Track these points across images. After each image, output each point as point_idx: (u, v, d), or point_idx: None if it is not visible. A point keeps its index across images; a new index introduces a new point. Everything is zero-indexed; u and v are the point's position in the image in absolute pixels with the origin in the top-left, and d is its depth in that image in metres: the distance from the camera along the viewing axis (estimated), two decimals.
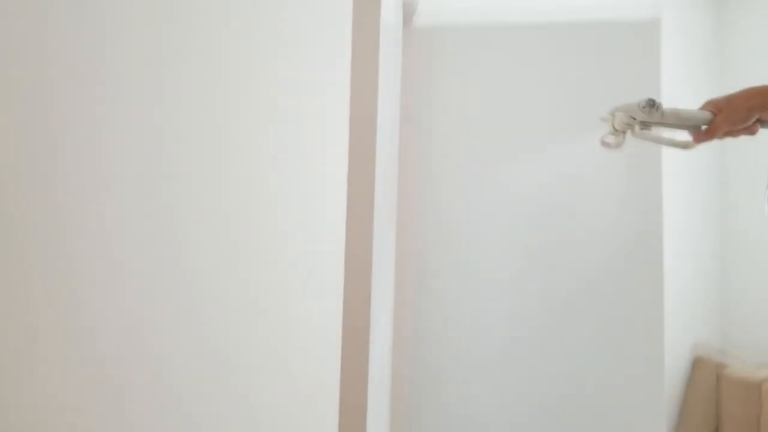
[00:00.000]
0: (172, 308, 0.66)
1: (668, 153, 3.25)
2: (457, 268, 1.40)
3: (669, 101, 3.25)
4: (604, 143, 1.19)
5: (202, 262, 0.72)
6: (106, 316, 0.58)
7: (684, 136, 1.32)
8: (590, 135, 1.41)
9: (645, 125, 1.21)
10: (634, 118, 1.19)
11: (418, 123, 1.42)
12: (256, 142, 0.86)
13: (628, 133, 1.19)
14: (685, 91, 3.41)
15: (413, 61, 1.46)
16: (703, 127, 1.31)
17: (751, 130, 1.33)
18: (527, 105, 1.39)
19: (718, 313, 3.44)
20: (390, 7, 1.10)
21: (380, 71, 0.94)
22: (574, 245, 1.41)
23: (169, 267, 0.66)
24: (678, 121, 1.28)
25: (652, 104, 1.23)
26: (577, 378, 1.43)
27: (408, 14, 1.46)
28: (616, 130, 1.18)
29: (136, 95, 0.60)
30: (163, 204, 0.64)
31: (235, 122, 0.79)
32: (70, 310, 0.55)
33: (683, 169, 3.40)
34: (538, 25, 1.41)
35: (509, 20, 1.38)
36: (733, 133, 1.33)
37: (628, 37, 1.40)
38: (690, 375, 3.30)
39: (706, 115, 1.31)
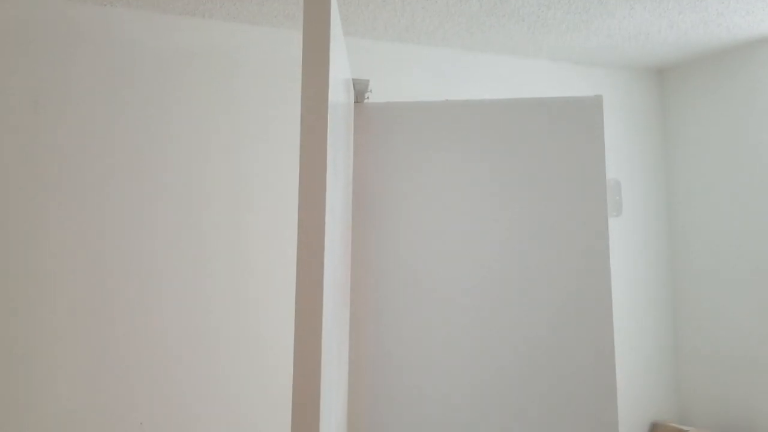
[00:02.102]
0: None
1: (613, 226, 3.31)
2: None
3: (614, 173, 3.33)
4: None
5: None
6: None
7: None
8: (538, 204, 1.44)
9: None
10: None
11: (371, 190, 1.43)
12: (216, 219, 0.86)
13: None
14: (631, 164, 3.54)
15: (365, 135, 1.49)
16: None
17: None
18: (474, 175, 1.43)
19: (674, 380, 3.47)
20: (339, 87, 1.12)
21: (328, 142, 0.95)
22: (527, 320, 1.42)
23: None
24: None
25: None
26: None
27: (360, 93, 1.50)
28: None
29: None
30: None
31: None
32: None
33: (630, 243, 3.48)
34: (485, 102, 1.46)
35: (457, 94, 1.44)
36: None
37: (572, 113, 1.46)
38: None
39: None
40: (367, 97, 1.51)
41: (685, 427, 3.20)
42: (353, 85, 1.49)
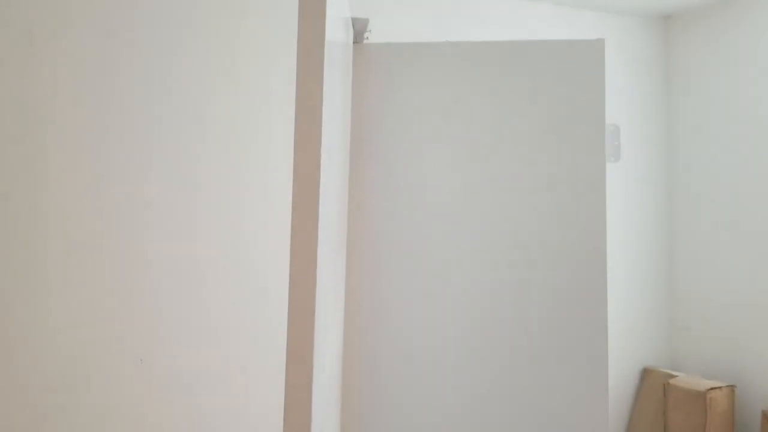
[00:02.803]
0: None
1: (611, 172, 3.31)
2: (408, 278, 1.41)
3: (615, 118, 3.31)
4: None
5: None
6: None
7: None
8: (538, 148, 1.44)
9: None
10: None
11: (369, 132, 1.43)
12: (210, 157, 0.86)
13: None
14: (632, 110, 3.51)
15: (364, 76, 1.47)
16: None
17: None
18: (476, 117, 1.42)
19: (666, 327, 3.53)
20: (338, 25, 1.11)
21: (325, 82, 0.94)
22: (523, 265, 1.43)
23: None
24: None
25: None
26: (526, 392, 1.45)
27: (359, 33, 1.47)
28: None
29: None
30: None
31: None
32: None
33: (628, 189, 3.49)
34: (487, 44, 1.44)
35: (458, 38, 1.42)
36: None
37: (573, 56, 1.44)
38: (639, 385, 3.37)
39: None
40: (366, 38, 1.48)
41: (675, 372, 3.27)
42: (352, 24, 1.47)
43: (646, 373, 3.37)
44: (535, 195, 1.43)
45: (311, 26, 0.87)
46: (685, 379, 3.15)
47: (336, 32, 1.06)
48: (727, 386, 3.06)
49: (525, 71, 1.43)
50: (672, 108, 3.63)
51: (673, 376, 3.22)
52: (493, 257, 1.41)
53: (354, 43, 1.49)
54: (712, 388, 3.01)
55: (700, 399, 3.00)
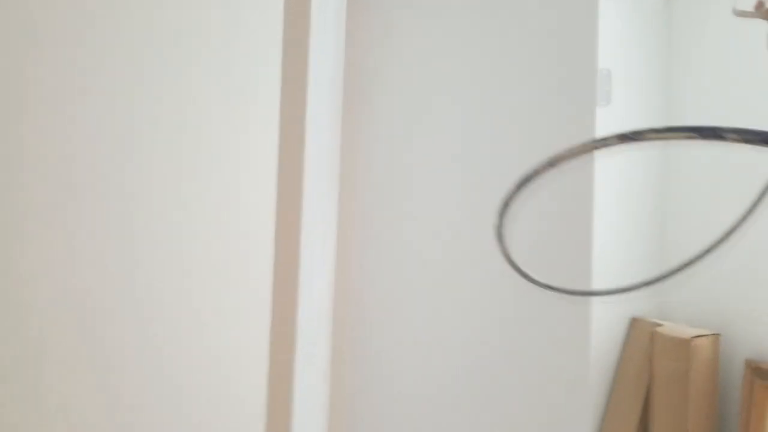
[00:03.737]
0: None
1: (607, 115, 3.31)
2: (400, 252, 1.43)
3: (608, 62, 3.28)
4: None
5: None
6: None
7: None
8: (528, 93, 1.45)
9: None
10: None
11: (367, 81, 1.42)
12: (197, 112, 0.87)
13: None
14: (629, 54, 3.50)
15: (359, 27, 1.46)
16: None
17: None
18: (466, 62, 1.42)
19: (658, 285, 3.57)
20: None
21: (312, 23, 0.95)
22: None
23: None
24: None
25: None
26: (507, 345, 1.48)
27: None
28: None
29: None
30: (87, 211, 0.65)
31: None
32: None
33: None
34: None
35: None
36: None
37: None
38: (627, 335, 3.44)
39: None
40: None
41: (662, 322, 3.33)
42: None
43: (634, 323, 3.43)
44: (524, 139, 1.44)
45: None
46: (671, 328, 3.21)
47: None
48: (712, 334, 3.12)
49: (516, 11, 1.43)
50: (670, 53, 3.62)
51: (660, 326, 3.28)
52: (483, 203, 1.43)
53: None
54: (697, 336, 3.08)
55: (684, 346, 3.06)
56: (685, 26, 3.56)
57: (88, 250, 0.90)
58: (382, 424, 1.39)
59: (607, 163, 3.37)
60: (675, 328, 3.20)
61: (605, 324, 3.41)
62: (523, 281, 1.48)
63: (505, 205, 0.96)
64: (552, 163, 0.84)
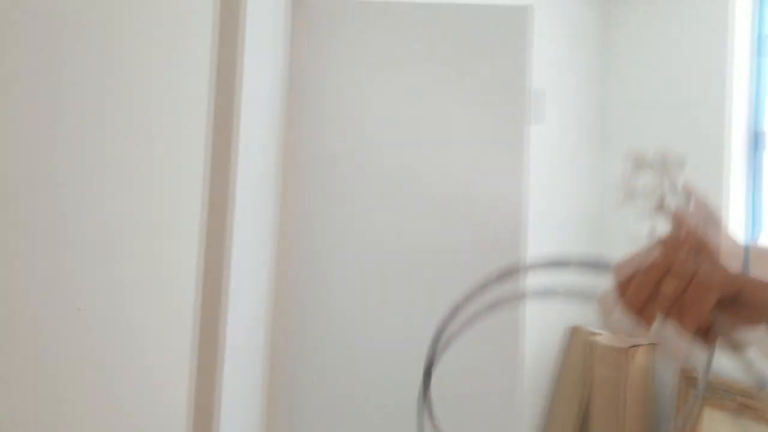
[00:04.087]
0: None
1: (546, 133, 3.38)
2: (337, 237, 1.45)
3: (543, 82, 3.35)
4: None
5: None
6: None
7: None
8: (462, 111, 1.48)
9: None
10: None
11: (306, 89, 1.44)
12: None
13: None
14: (565, 73, 3.60)
15: (303, 35, 1.48)
16: None
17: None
18: (403, 73, 1.45)
19: (593, 287, 3.67)
20: None
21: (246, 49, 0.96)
22: (443, 223, 1.48)
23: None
24: None
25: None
26: (446, 355, 1.49)
27: None
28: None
29: None
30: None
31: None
32: None
33: (562, 150, 3.59)
34: (416, 4, 1.47)
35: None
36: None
37: (499, 21, 1.49)
38: (566, 344, 3.52)
39: None
40: None
41: (599, 331, 3.42)
42: None
43: (573, 332, 3.52)
44: (456, 154, 1.47)
45: None
46: (608, 337, 3.31)
47: None
48: (648, 344, 3.23)
49: (451, 34, 1.47)
50: (606, 74, 3.74)
51: (598, 334, 3.37)
52: (416, 212, 1.46)
53: None
54: (633, 346, 3.17)
55: (622, 355, 3.16)
56: (621, 47, 3.69)
57: (10, 247, 0.89)
58: (316, 427, 1.40)
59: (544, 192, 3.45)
60: (612, 337, 3.30)
61: (545, 333, 3.48)
62: (458, 285, 1.51)
63: (439, 334, 0.82)
64: (482, 287, 0.80)
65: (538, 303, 3.24)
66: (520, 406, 1.58)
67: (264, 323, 1.32)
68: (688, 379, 3.13)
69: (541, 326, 3.42)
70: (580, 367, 3.38)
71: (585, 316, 3.60)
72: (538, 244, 3.27)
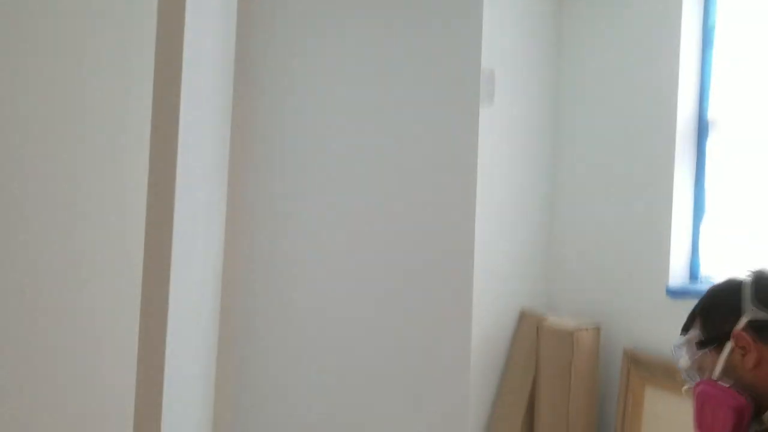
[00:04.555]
0: None
1: (495, 116, 3.40)
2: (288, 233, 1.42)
3: (497, 63, 3.34)
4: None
5: None
6: None
7: None
8: (413, 91, 1.47)
9: None
10: None
11: (253, 71, 1.40)
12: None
13: None
14: (516, 61, 3.62)
15: (250, 16, 1.44)
16: None
17: None
18: (358, 62, 1.42)
19: (544, 270, 3.73)
20: None
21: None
22: (394, 207, 1.46)
23: None
24: None
25: None
26: (391, 339, 1.49)
27: None
28: None
29: None
30: None
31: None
32: None
33: (512, 133, 3.62)
34: None
35: None
36: None
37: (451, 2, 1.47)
38: (516, 327, 3.57)
39: None
40: None
41: (549, 314, 3.48)
42: None
43: (522, 315, 3.57)
44: (410, 137, 1.46)
45: None
46: (556, 321, 3.37)
47: None
48: (593, 327, 3.30)
49: (402, 12, 1.45)
50: (560, 60, 3.77)
51: (546, 318, 3.42)
52: (368, 197, 1.44)
53: None
54: (578, 328, 3.24)
55: (568, 338, 3.22)
56: (573, 35, 3.72)
57: None
58: (267, 419, 1.38)
59: (494, 152, 3.48)
60: (559, 321, 3.36)
61: (496, 315, 3.52)
62: (407, 271, 1.51)
63: None
64: None
65: (490, 286, 3.27)
66: (470, 386, 1.59)
67: (212, 308, 1.29)
68: (632, 359, 3.21)
69: (490, 309, 3.46)
70: (529, 350, 3.44)
71: (534, 300, 3.66)
72: (487, 228, 3.30)
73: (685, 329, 1.51)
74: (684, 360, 1.47)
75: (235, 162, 1.41)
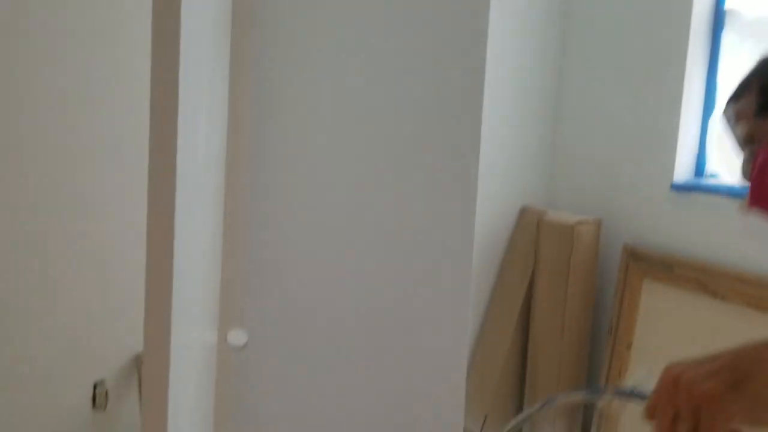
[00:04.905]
0: None
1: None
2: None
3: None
4: None
5: None
6: None
7: None
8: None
9: None
10: None
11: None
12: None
13: None
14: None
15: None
16: None
17: None
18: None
19: (547, 166, 3.69)
20: None
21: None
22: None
23: None
24: None
25: None
26: (391, 231, 1.48)
27: None
28: None
29: None
30: None
31: None
32: None
33: (520, 28, 3.48)
34: None
35: None
36: None
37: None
38: (516, 223, 3.57)
39: None
40: None
41: (550, 210, 3.47)
42: None
43: (523, 211, 3.56)
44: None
45: None
46: (557, 215, 3.36)
47: None
48: (594, 220, 3.29)
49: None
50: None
51: (546, 213, 3.41)
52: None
53: None
54: (579, 222, 3.23)
55: (568, 233, 3.22)
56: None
57: None
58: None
59: (500, 56, 3.36)
60: (560, 215, 3.35)
61: (496, 211, 3.51)
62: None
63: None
64: (549, 403, 0.88)
65: (490, 182, 3.23)
66: (470, 280, 1.60)
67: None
68: (631, 252, 3.24)
69: (491, 204, 3.44)
70: (528, 246, 3.45)
71: (536, 195, 3.64)
72: (491, 122, 3.22)
73: (736, 97, 1.33)
74: (739, 128, 1.31)
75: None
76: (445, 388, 1.59)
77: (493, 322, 3.48)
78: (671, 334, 3.03)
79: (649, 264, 3.16)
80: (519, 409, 3.43)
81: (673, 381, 0.79)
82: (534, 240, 3.41)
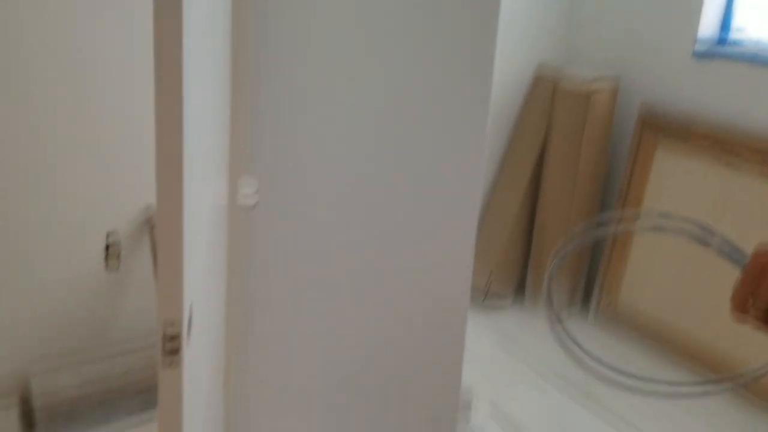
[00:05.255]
0: None
1: None
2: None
3: None
4: None
5: None
6: None
7: None
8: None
9: None
10: None
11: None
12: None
13: None
14: None
15: None
16: None
17: None
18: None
19: (566, 20, 3.53)
20: None
21: None
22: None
23: None
24: None
25: None
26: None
27: None
28: None
29: None
30: None
31: None
32: None
33: None
34: None
35: None
36: None
37: None
38: (530, 88, 3.48)
39: None
40: None
41: (567, 68, 3.36)
42: None
43: (539, 70, 3.45)
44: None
45: None
46: (573, 74, 3.25)
47: None
48: (612, 80, 3.20)
49: None
50: None
51: (563, 71, 3.31)
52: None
53: None
54: (596, 83, 3.14)
55: (583, 101, 3.14)
56: None
57: None
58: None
59: None
60: (577, 82, 3.23)
61: (512, 70, 3.40)
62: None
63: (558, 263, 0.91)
64: (599, 224, 0.82)
65: (506, 38, 3.10)
66: (486, 143, 1.60)
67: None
68: (646, 117, 3.17)
69: (507, 63, 3.34)
70: (541, 112, 3.38)
71: (554, 51, 3.51)
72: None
73: None
74: None
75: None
76: (455, 248, 1.62)
77: (504, 182, 3.48)
78: (681, 201, 3.03)
79: (664, 130, 3.10)
80: (524, 268, 3.51)
81: (761, 269, 0.77)
82: (548, 106, 3.34)
